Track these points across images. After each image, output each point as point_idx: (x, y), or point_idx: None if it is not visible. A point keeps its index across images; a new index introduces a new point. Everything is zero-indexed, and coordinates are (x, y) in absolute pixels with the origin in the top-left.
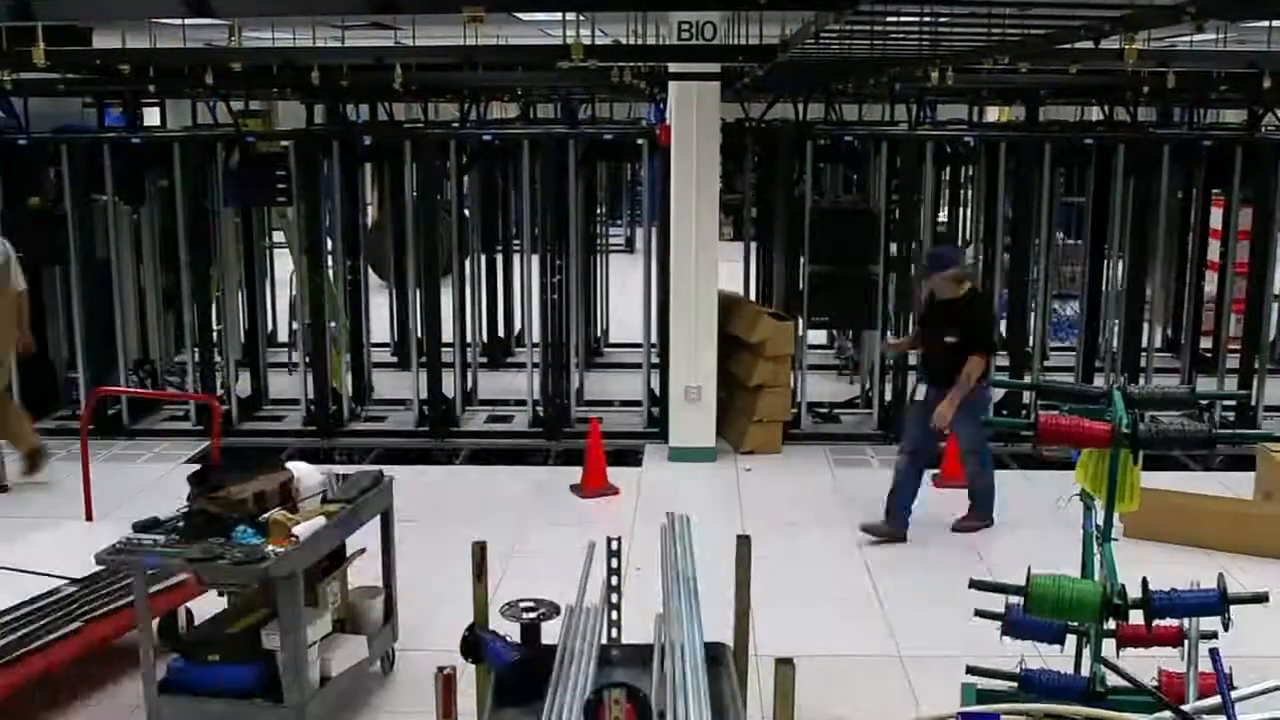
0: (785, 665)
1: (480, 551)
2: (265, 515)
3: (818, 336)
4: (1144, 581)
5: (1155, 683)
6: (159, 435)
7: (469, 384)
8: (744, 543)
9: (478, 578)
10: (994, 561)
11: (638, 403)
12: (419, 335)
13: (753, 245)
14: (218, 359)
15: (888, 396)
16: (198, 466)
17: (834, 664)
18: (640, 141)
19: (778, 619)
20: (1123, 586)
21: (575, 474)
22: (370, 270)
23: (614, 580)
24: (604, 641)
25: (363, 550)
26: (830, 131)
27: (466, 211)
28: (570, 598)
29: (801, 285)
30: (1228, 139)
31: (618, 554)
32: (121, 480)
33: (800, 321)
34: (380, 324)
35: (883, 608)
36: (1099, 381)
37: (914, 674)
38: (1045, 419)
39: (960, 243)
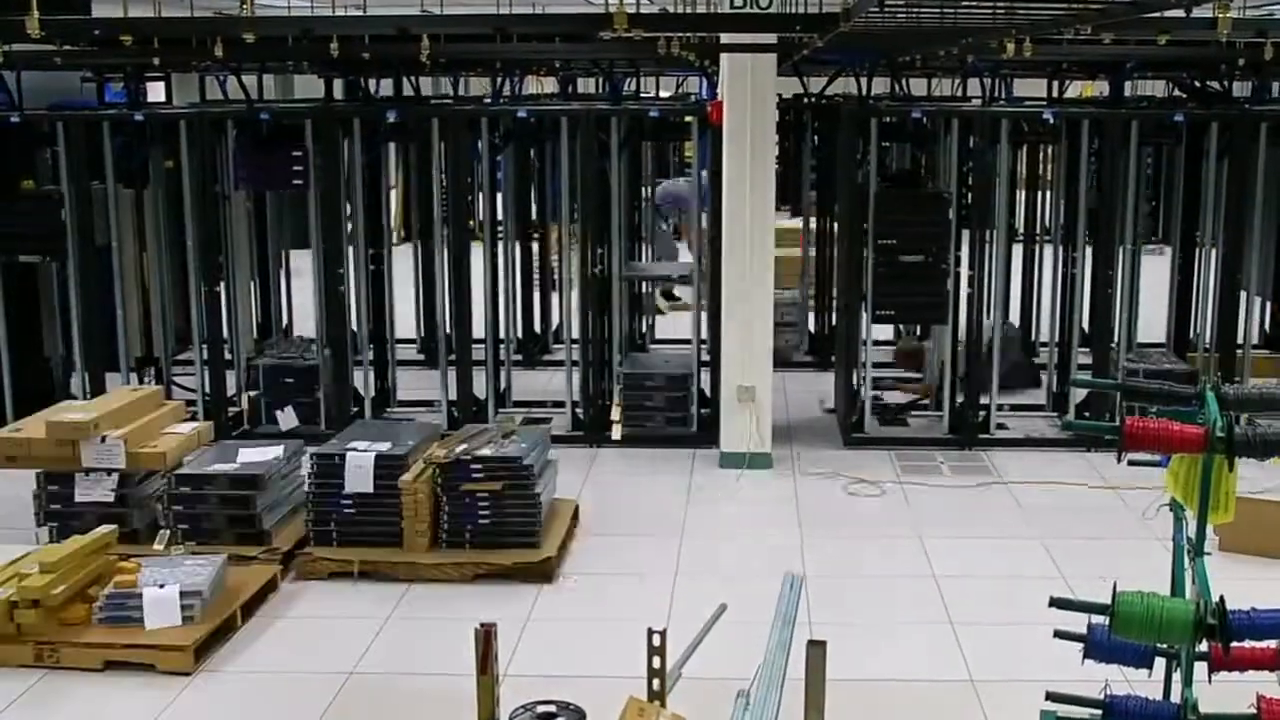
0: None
1: (485, 639)
2: None
3: (883, 331)
4: (1220, 601)
5: (1254, 710)
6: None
7: (502, 383)
8: (817, 652)
9: (482, 669)
10: (1074, 576)
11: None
12: (447, 330)
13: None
14: (227, 355)
15: (959, 397)
16: None
17: (901, 690)
18: (689, 119)
19: (841, 639)
20: (1219, 603)
21: (619, 482)
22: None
23: (655, 684)
24: None
25: None
26: (896, 108)
27: (499, 195)
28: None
29: (865, 276)
30: None
31: (661, 649)
32: None
33: (864, 316)
34: (405, 319)
35: (953, 627)
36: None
37: (988, 701)
38: (1131, 422)
39: (1039, 231)
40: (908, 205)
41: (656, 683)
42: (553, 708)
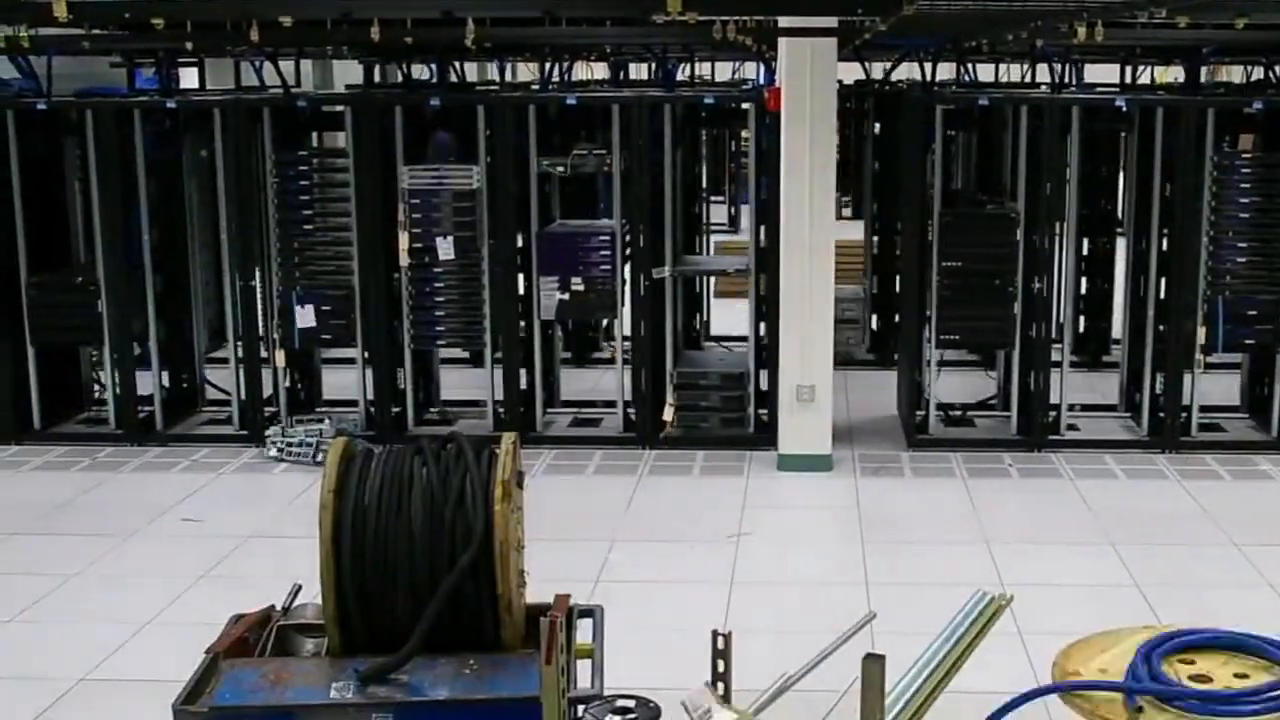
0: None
1: (550, 627)
2: None
3: None
4: None
5: None
6: (197, 441)
7: (551, 382)
8: (874, 665)
9: (546, 659)
10: (1148, 584)
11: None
12: (492, 327)
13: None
14: (263, 353)
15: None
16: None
17: (968, 703)
18: (746, 106)
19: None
20: None
21: (672, 485)
22: None
23: (720, 686)
24: None
25: None
26: (962, 95)
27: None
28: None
29: (929, 296)
30: None
31: (725, 652)
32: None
33: (930, 336)
34: None
35: (1023, 638)
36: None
37: (1058, 715)
38: None
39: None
40: (973, 228)
41: (721, 687)
42: (630, 702)
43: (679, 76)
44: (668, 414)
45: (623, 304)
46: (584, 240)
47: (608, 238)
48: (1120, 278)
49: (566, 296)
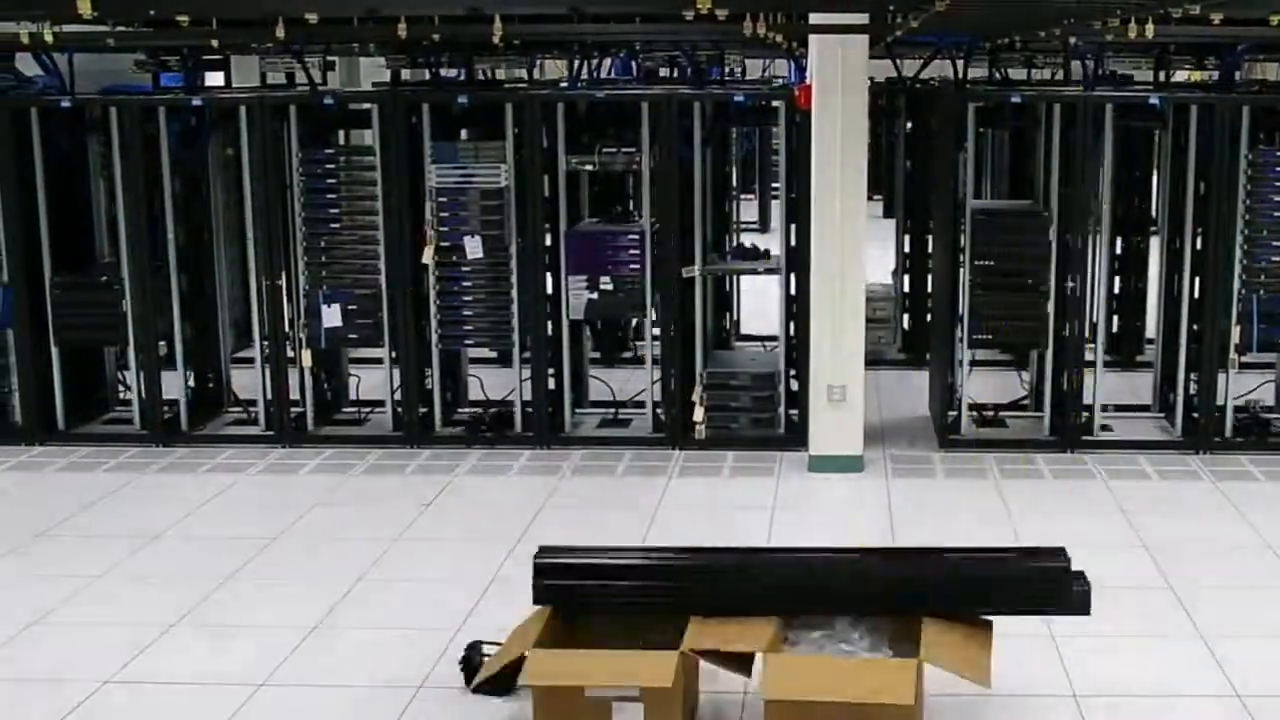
0: None
1: None
2: None
3: None
4: None
5: None
6: (222, 441)
7: (580, 382)
8: None
9: None
10: (1182, 585)
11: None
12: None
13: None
14: (289, 353)
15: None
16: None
17: (998, 706)
18: (776, 104)
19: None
20: None
21: (702, 486)
22: None
23: None
24: None
25: None
26: (994, 93)
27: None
28: None
29: (960, 296)
30: None
31: None
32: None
33: (962, 336)
34: None
35: (1055, 641)
36: None
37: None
38: None
39: (1148, 225)
40: (1006, 227)
41: None
42: None
43: (714, 75)
44: (698, 414)
45: (652, 304)
46: (613, 239)
47: (636, 236)
48: (1154, 276)
49: (595, 296)
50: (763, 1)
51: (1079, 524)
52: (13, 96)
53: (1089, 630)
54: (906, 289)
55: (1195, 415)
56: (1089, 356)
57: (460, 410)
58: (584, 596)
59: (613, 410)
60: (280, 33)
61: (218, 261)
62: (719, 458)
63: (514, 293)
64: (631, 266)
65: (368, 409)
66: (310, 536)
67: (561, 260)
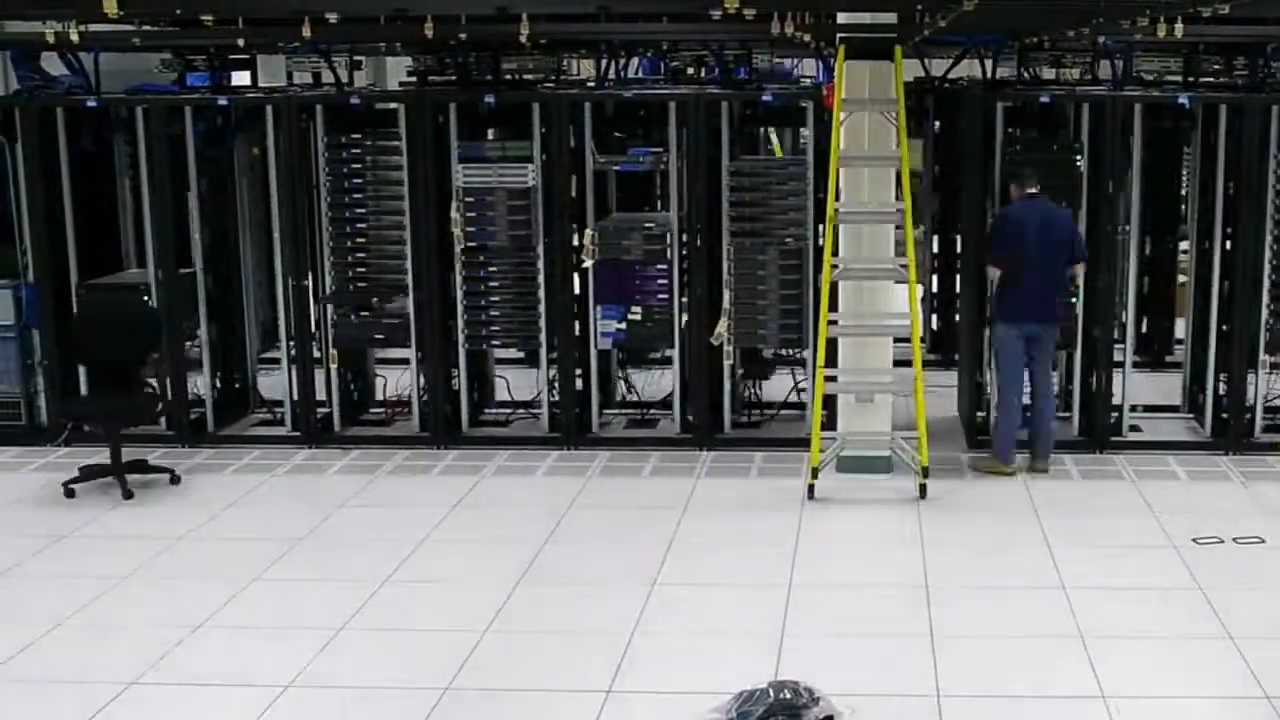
0: None
1: None
2: None
3: None
4: None
5: None
6: (249, 442)
7: (610, 383)
8: None
9: None
10: (1211, 587)
11: (801, 405)
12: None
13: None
14: (316, 354)
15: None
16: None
17: (1030, 706)
18: (805, 104)
19: (969, 654)
20: None
21: (730, 486)
22: None
23: None
24: None
25: None
26: (1023, 92)
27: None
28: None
29: (989, 288)
30: None
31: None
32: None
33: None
34: None
35: (1083, 641)
36: None
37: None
38: None
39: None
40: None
41: None
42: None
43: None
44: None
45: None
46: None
47: (663, 236)
48: (1183, 277)
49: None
50: (790, 1)
51: (1107, 523)
52: (39, 96)
53: (1117, 630)
54: (936, 289)
55: (1224, 416)
56: (1118, 357)
57: (487, 410)
58: None
59: (640, 411)
60: (307, 32)
61: (244, 262)
62: (747, 458)
63: (540, 293)
64: (659, 282)
65: (398, 409)
66: (337, 537)
67: (590, 275)
